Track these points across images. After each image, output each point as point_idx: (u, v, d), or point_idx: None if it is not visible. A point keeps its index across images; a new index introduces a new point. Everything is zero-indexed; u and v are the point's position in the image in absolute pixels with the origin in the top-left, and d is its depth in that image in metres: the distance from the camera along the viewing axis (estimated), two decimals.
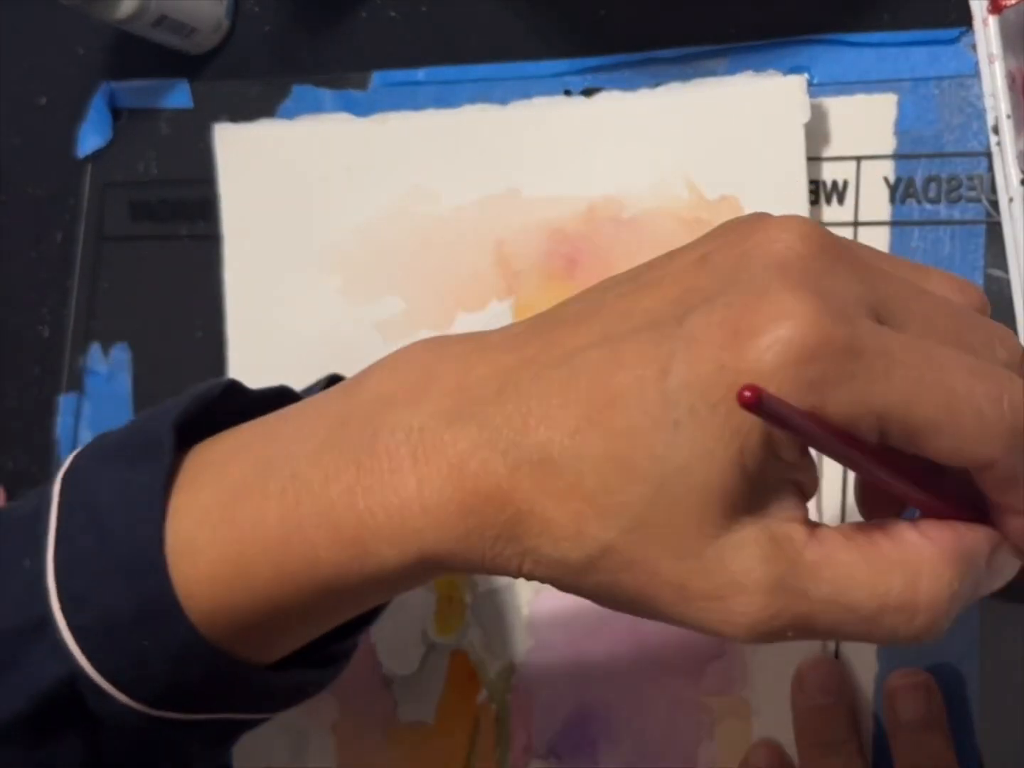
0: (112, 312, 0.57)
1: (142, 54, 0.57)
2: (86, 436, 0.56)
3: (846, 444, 0.26)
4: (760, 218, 0.29)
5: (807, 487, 0.28)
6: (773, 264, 0.27)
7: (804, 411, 0.26)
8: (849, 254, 0.28)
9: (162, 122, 0.57)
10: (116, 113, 0.58)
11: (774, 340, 0.26)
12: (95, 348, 0.57)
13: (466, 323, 0.49)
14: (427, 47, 0.53)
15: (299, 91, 0.54)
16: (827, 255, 0.27)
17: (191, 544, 0.32)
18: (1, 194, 0.60)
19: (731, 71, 0.48)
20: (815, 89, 0.46)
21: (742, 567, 0.27)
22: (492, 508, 0.29)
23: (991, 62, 0.41)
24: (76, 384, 0.57)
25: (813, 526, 0.28)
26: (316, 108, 0.54)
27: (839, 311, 0.26)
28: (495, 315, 0.49)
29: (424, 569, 0.31)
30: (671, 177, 0.46)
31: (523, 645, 0.47)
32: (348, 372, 0.50)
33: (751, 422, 0.26)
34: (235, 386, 0.37)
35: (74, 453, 0.35)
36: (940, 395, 0.26)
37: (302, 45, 0.55)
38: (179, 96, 0.57)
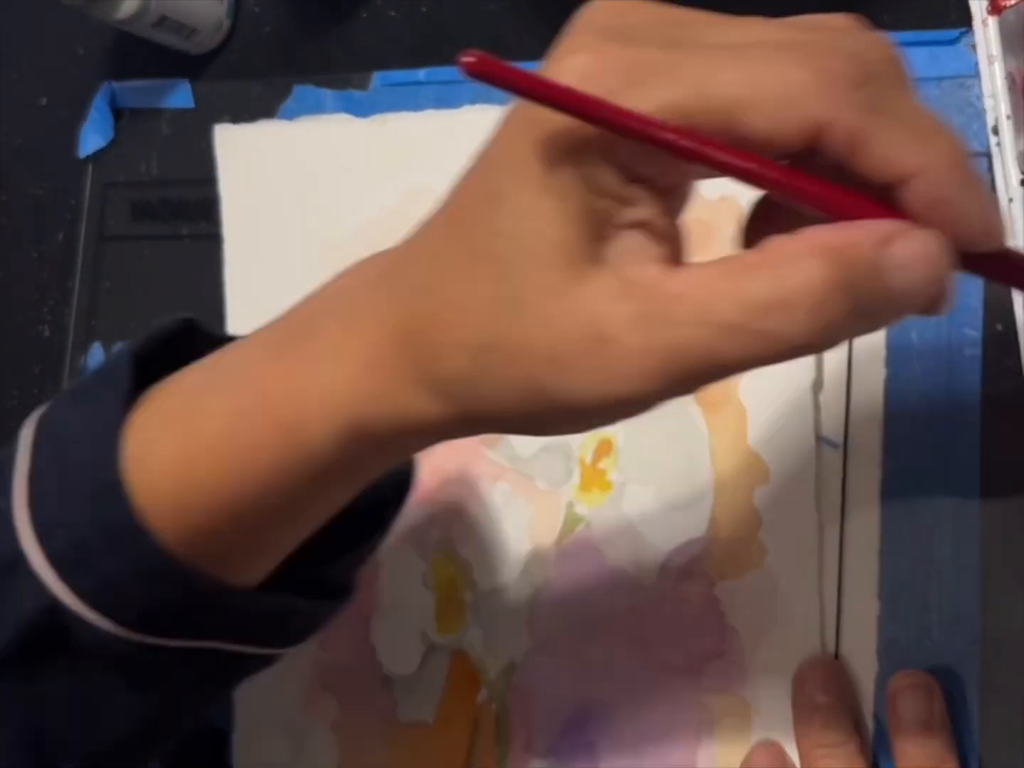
0: (113, 312, 0.57)
1: (143, 54, 0.57)
2: None
3: (642, 124, 0.26)
4: None
5: (655, 227, 0.28)
6: (576, 23, 0.28)
7: (537, 76, 0.26)
8: (654, 8, 0.28)
9: (163, 122, 0.57)
10: (117, 113, 0.58)
11: (560, 72, 0.26)
12: (96, 348, 0.57)
13: None
14: (428, 47, 0.53)
15: (300, 91, 0.54)
16: (626, 13, 0.28)
17: (144, 461, 0.33)
18: (2, 194, 0.61)
19: None
20: None
21: (601, 315, 0.27)
22: (396, 357, 0.30)
23: (991, 63, 0.41)
24: None
25: (675, 264, 0.28)
26: (317, 108, 0.54)
27: (624, 39, 0.27)
28: None
29: (357, 445, 0.31)
30: None
31: (523, 645, 0.47)
32: None
33: (559, 165, 0.27)
34: (193, 323, 0.38)
35: (53, 398, 0.37)
36: (735, 74, 0.26)
37: (303, 45, 0.55)
38: (180, 96, 0.57)
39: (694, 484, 0.46)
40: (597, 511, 0.47)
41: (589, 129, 0.26)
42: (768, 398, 0.45)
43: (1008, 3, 0.41)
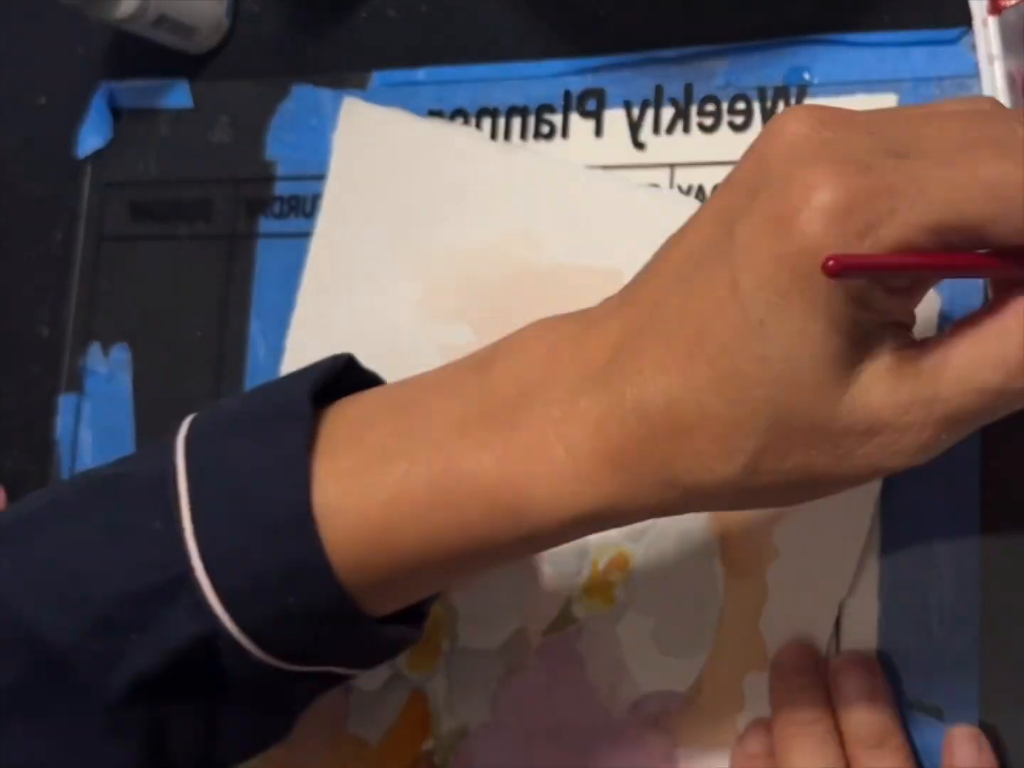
0: (112, 312, 0.57)
1: (142, 54, 0.57)
2: (86, 436, 0.56)
3: (928, 260, 0.29)
4: (765, 126, 0.32)
5: (906, 321, 0.31)
6: (784, 153, 0.30)
7: (883, 255, 0.28)
8: (850, 116, 0.31)
9: (162, 122, 0.57)
10: (116, 113, 0.58)
11: (811, 213, 0.28)
12: (95, 348, 0.57)
13: None
14: (427, 47, 0.53)
15: (299, 91, 0.54)
16: (828, 125, 0.30)
17: (334, 507, 0.34)
18: (0, 194, 0.60)
19: (731, 71, 0.48)
20: (815, 89, 0.47)
21: (875, 406, 0.30)
22: (640, 460, 0.31)
23: (991, 62, 0.41)
24: (76, 384, 0.57)
25: (923, 342, 0.31)
26: (316, 108, 0.54)
27: (857, 163, 0.29)
28: None
29: (579, 528, 0.33)
30: None
31: (481, 716, 0.46)
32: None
33: (826, 291, 0.29)
34: (353, 362, 0.39)
35: (189, 420, 0.37)
36: (978, 190, 0.28)
37: (302, 45, 0.55)
38: (179, 96, 0.57)
39: (693, 639, 0.44)
40: (593, 620, 0.46)
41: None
42: (794, 588, 0.43)
43: (1008, 3, 0.41)
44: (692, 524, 0.45)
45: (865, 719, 0.41)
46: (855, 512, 0.43)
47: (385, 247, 0.51)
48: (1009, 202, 0.28)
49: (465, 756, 0.46)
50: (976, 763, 0.40)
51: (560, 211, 0.49)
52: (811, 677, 0.42)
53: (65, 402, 0.57)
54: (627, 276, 0.46)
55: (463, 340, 0.49)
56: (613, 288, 0.46)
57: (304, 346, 0.51)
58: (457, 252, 0.50)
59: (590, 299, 0.46)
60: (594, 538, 0.45)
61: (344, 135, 0.52)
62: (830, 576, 0.43)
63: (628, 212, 0.48)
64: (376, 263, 0.51)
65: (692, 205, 0.47)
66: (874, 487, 0.43)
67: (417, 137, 0.51)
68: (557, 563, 0.46)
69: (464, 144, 0.50)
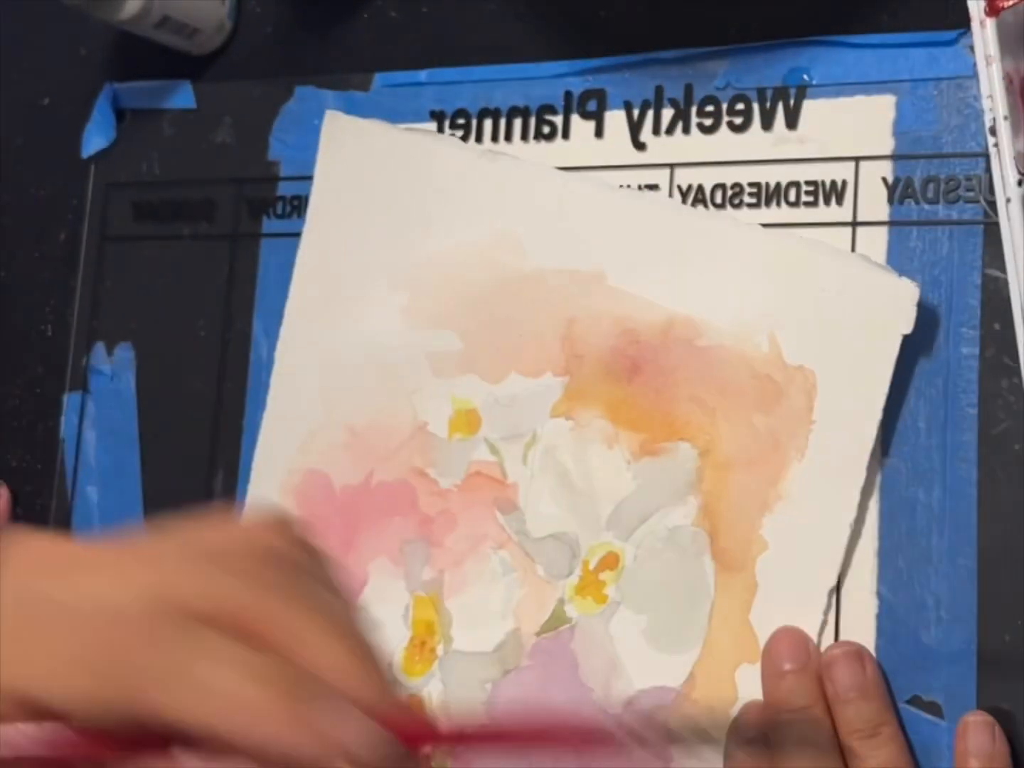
0: (115, 312, 0.57)
1: (145, 55, 0.57)
2: (90, 435, 0.56)
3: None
4: None
5: None
6: None
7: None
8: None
9: (165, 123, 0.57)
10: (120, 114, 0.58)
11: None
12: (99, 347, 0.57)
13: (518, 385, 0.48)
14: (428, 48, 0.53)
15: (301, 92, 0.55)
16: None
17: None
18: (5, 194, 0.61)
19: (731, 72, 0.48)
20: (814, 90, 0.47)
21: None
22: None
23: (989, 63, 0.41)
24: (80, 383, 0.57)
25: None
26: (318, 109, 0.54)
27: None
28: (547, 387, 0.48)
29: None
30: (757, 325, 0.45)
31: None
32: (392, 391, 0.49)
33: None
34: None
35: None
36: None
37: (304, 46, 0.55)
38: (182, 97, 0.57)
39: (685, 635, 0.44)
40: (585, 619, 0.46)
41: None
42: (784, 580, 0.44)
43: (1006, 4, 0.41)
44: (681, 520, 0.45)
45: (858, 710, 0.41)
46: (841, 502, 0.43)
47: (370, 258, 0.51)
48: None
49: (463, 758, 0.46)
50: (989, 750, 0.41)
51: (542, 215, 0.49)
52: (802, 662, 0.42)
53: (69, 401, 0.57)
54: (610, 278, 0.47)
55: (451, 347, 0.49)
56: (597, 289, 0.47)
57: (292, 358, 0.52)
58: (442, 259, 0.50)
59: (575, 301, 0.47)
60: (585, 537, 0.46)
61: (326, 148, 0.53)
62: (819, 566, 0.43)
63: (609, 214, 0.48)
64: (361, 274, 0.51)
65: (671, 205, 0.48)
66: (859, 477, 0.43)
67: (398, 148, 0.51)
68: (548, 564, 0.47)
69: (445, 152, 0.51)
